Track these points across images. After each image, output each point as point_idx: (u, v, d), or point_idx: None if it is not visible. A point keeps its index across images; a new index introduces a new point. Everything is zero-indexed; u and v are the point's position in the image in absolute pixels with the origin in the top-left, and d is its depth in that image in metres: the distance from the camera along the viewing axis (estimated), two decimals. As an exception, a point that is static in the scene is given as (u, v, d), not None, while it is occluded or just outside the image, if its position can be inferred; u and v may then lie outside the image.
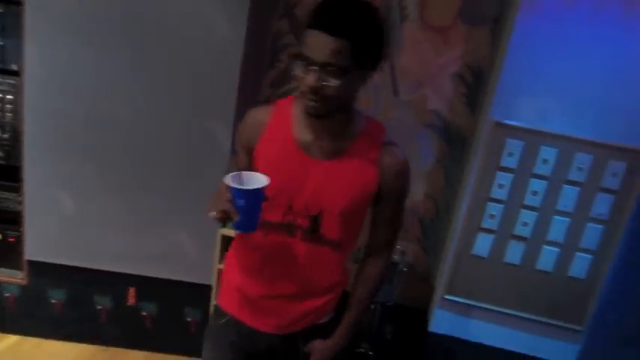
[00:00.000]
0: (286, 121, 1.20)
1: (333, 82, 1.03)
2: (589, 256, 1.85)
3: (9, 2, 1.90)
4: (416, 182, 2.16)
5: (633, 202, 1.76)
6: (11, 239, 2.18)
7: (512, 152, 1.81)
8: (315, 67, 1.02)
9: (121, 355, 2.35)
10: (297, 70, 1.06)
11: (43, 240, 2.16)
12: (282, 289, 1.29)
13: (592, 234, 1.83)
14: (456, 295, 1.98)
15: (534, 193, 1.83)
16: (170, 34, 1.89)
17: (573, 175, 1.79)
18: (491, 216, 1.88)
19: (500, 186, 1.85)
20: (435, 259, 2.25)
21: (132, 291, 2.28)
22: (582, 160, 1.77)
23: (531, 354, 1.97)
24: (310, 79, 1.03)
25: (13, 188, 2.10)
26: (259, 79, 2.14)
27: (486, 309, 1.96)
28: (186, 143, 2.01)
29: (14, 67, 1.96)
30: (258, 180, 1.09)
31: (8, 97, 2.00)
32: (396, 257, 2.04)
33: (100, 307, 2.29)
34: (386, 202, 1.24)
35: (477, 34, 1.97)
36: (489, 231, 1.90)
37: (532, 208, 1.85)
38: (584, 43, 1.68)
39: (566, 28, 1.68)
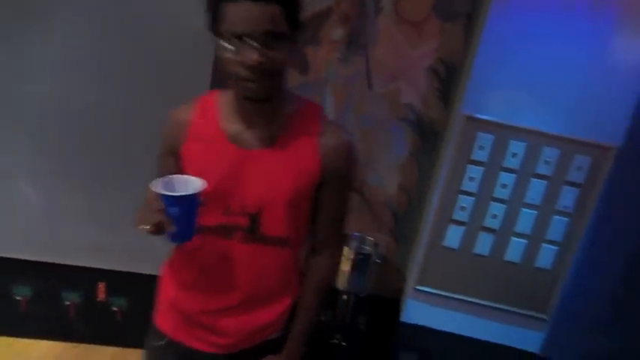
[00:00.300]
0: (212, 114, 1.09)
1: (277, 53, 0.94)
2: (555, 248, 1.91)
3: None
4: (390, 175, 2.18)
5: (597, 195, 1.82)
6: (-29, 233, 2.10)
7: (482, 146, 1.84)
8: (253, 41, 0.91)
9: (92, 352, 2.30)
10: (228, 51, 0.94)
11: (5, 234, 2.08)
12: (224, 302, 1.15)
13: (558, 226, 1.88)
14: (428, 286, 2.01)
15: (503, 186, 1.87)
16: (143, 26, 1.86)
17: (541, 169, 1.84)
18: (462, 208, 1.91)
19: (471, 179, 1.88)
20: (407, 250, 2.28)
21: (101, 286, 2.23)
22: (549, 154, 1.82)
23: (500, 342, 2.02)
24: (253, 55, 0.91)
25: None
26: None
27: (457, 299, 2.01)
28: (156, 136, 1.97)
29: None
30: (191, 184, 0.99)
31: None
32: (368, 249, 2.05)
33: (68, 303, 2.24)
34: (331, 188, 1.13)
35: (450, 29, 1.99)
36: (460, 223, 1.93)
37: (501, 201, 1.89)
38: (555, 40, 1.72)
39: (536, 24, 1.71)
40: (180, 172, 1.07)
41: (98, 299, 2.24)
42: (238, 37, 0.92)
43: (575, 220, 1.86)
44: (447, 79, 2.06)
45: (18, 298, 2.21)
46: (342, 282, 2.02)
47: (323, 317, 2.08)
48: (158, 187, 0.95)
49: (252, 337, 1.19)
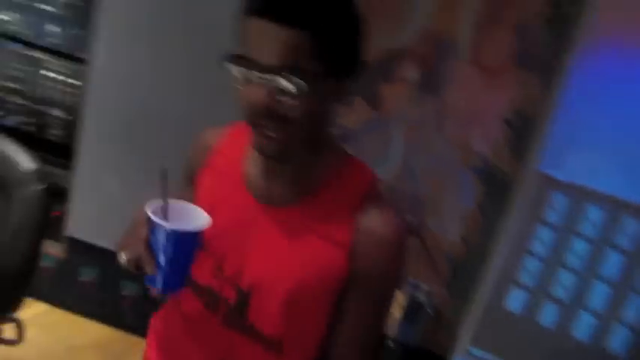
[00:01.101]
0: (239, 147, 0.86)
1: (299, 98, 0.67)
2: (630, 331, 1.70)
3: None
4: (452, 222, 2.09)
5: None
6: (56, 213, 2.31)
7: (556, 207, 1.71)
8: (262, 76, 0.67)
9: (138, 344, 2.40)
10: (237, 81, 0.71)
11: (84, 219, 2.27)
12: None
13: (635, 307, 1.68)
14: (482, 349, 1.87)
15: (576, 253, 1.72)
16: (223, 37, 1.97)
17: (620, 241, 1.66)
18: (528, 271, 1.78)
19: (540, 241, 1.75)
20: (462, 305, 2.14)
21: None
22: (631, 225, 1.64)
23: None
24: (257, 93, 0.68)
25: (64, 165, 2.22)
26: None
27: (510, 368, 1.85)
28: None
29: (83, 56, 2.10)
30: (195, 218, 0.75)
31: (75, 82, 2.14)
32: (421, 298, 1.97)
33: (125, 294, 2.36)
34: (359, 294, 0.79)
35: (529, 79, 1.91)
36: (524, 287, 1.79)
37: (572, 270, 1.73)
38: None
39: (624, 81, 1.59)
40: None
41: (153, 295, 2.34)
42: (248, 65, 0.68)
43: (655, 303, 1.66)
44: (522, 131, 1.96)
45: (83, 279, 2.37)
46: (390, 329, 1.94)
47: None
48: (150, 209, 0.71)
49: None
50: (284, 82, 0.67)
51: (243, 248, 0.82)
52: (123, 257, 0.75)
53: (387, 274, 0.81)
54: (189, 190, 0.90)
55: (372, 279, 0.79)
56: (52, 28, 2.10)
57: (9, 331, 1.46)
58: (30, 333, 1.46)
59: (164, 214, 0.73)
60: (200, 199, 0.86)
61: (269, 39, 0.66)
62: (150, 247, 0.71)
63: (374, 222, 0.78)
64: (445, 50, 1.96)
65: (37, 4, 2.08)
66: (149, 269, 0.71)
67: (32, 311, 2.39)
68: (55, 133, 2.20)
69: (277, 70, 0.66)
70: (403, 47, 1.99)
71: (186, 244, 0.73)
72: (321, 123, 0.77)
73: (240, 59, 0.69)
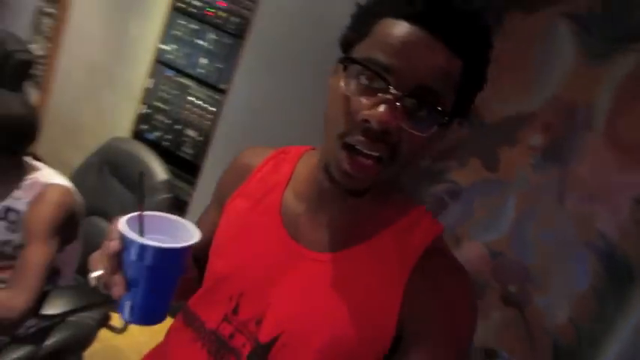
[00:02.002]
0: (282, 174, 0.75)
1: (421, 130, 0.57)
2: None
3: (235, 36, 2.30)
4: (560, 303, 1.92)
5: None
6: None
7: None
8: (394, 92, 0.55)
9: None
10: (345, 89, 0.59)
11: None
12: None
13: None
14: None
15: None
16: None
17: None
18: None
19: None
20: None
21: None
22: None
23: None
24: (382, 112, 0.55)
25: (189, 181, 2.42)
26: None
27: None
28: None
29: (223, 87, 2.33)
30: (181, 230, 0.63)
31: (212, 109, 2.37)
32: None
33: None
34: (415, 354, 0.63)
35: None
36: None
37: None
38: None
39: None
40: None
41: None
42: (373, 76, 0.57)
43: None
44: (657, 216, 1.76)
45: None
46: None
47: None
48: (124, 222, 0.59)
49: None
50: (425, 112, 0.57)
51: (267, 290, 0.68)
52: (91, 276, 0.61)
53: (452, 339, 0.64)
54: (217, 214, 0.79)
55: (427, 344, 0.63)
56: (203, 60, 2.36)
57: (117, 320, 1.61)
58: (133, 326, 1.59)
59: (141, 227, 0.60)
60: (226, 225, 0.76)
61: (420, 54, 0.55)
62: (120, 265, 0.59)
63: (436, 280, 0.65)
64: (577, 119, 1.86)
65: (194, 39, 2.37)
66: (115, 292, 0.58)
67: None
68: (186, 151, 2.44)
69: (424, 93, 0.56)
70: (531, 112, 1.92)
71: (165, 264, 0.59)
72: (417, 162, 0.64)
73: (367, 61, 0.57)
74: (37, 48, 3.25)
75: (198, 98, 2.39)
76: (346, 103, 0.58)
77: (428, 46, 0.55)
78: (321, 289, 0.66)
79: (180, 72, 2.42)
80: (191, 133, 2.42)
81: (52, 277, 1.33)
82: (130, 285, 0.59)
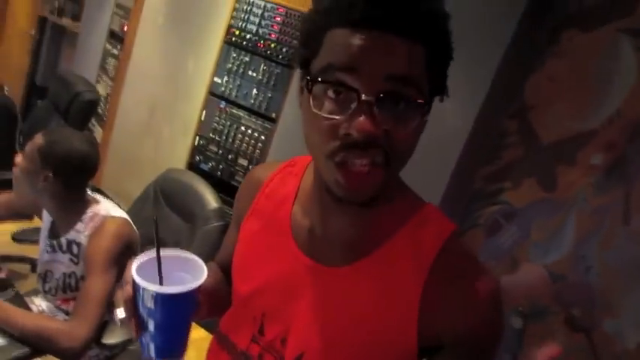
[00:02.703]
0: (288, 188, 0.74)
1: (408, 127, 0.56)
2: None
3: (284, 65, 2.37)
4: (632, 327, 1.78)
5: None
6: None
7: None
8: (366, 98, 0.53)
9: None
10: (315, 105, 0.56)
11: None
12: None
13: None
14: None
15: None
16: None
17: None
18: None
19: None
20: None
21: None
22: None
23: None
24: (362, 121, 0.53)
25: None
26: (475, 171, 2.12)
27: None
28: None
29: (273, 115, 2.40)
30: (193, 269, 0.66)
31: (262, 137, 2.44)
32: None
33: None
34: None
35: None
36: None
37: None
38: None
39: None
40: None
41: None
42: (340, 86, 0.55)
43: None
44: None
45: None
46: None
47: None
48: (138, 263, 0.63)
49: None
50: (403, 104, 0.55)
51: (289, 309, 0.68)
52: (116, 314, 0.66)
53: (478, 341, 0.62)
54: (236, 233, 0.79)
55: (461, 348, 0.62)
56: (254, 91, 2.45)
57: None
58: (189, 353, 1.63)
59: (157, 267, 0.64)
60: (242, 246, 0.76)
61: (379, 51, 0.53)
62: (136, 307, 0.62)
63: (454, 283, 0.61)
64: None
65: (246, 71, 2.46)
66: (134, 333, 0.63)
67: (194, 335, 2.67)
68: (239, 180, 2.51)
69: (396, 84, 0.54)
70: (592, 130, 1.84)
71: (177, 306, 0.63)
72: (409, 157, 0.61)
73: (328, 73, 0.55)
74: (102, 87, 3.49)
75: (249, 128, 2.46)
76: (322, 123, 0.56)
77: (382, 44, 0.53)
78: (338, 303, 0.65)
79: (232, 103, 2.51)
80: (243, 162, 2.49)
81: (111, 306, 1.39)
82: (146, 325, 0.62)
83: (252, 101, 2.45)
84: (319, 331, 0.65)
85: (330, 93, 0.55)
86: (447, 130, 1.91)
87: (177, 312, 0.63)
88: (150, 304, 0.61)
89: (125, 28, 3.26)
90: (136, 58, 3.24)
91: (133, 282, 0.62)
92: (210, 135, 2.57)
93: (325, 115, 0.55)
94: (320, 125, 0.56)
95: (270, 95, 2.40)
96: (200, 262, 0.67)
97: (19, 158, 1.36)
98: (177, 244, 1.63)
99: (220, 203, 1.66)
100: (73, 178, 1.38)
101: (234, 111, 2.50)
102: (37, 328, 1.19)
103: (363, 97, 0.53)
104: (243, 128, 2.48)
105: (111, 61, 3.46)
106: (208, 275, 0.65)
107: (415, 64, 0.55)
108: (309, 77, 0.57)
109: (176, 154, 2.78)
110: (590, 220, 1.85)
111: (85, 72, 3.58)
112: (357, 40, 0.53)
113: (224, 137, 2.53)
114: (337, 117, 0.55)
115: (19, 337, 1.18)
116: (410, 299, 0.61)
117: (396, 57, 0.53)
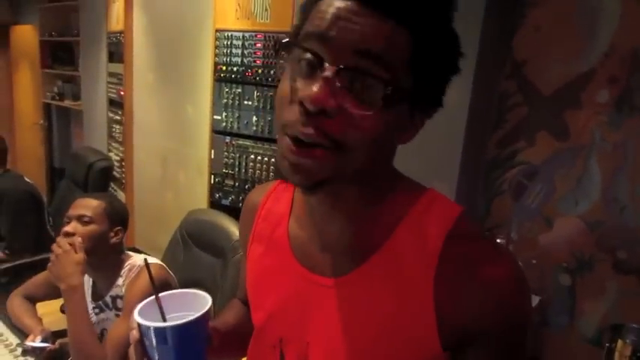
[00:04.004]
0: (282, 205, 0.71)
1: (368, 105, 0.50)
2: None
3: (275, 86, 2.40)
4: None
5: None
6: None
7: None
8: (328, 67, 0.50)
9: None
10: (286, 75, 0.54)
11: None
12: None
13: None
14: None
15: None
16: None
17: None
18: None
19: None
20: None
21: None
22: None
23: None
24: (315, 90, 0.49)
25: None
26: (485, 139, 2.10)
27: None
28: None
29: (277, 136, 2.43)
30: (198, 302, 0.67)
31: (272, 160, 2.47)
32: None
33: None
34: (475, 357, 0.57)
35: None
36: None
37: None
38: None
39: None
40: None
41: None
42: (310, 56, 0.51)
43: None
44: None
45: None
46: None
47: None
48: (137, 310, 0.65)
49: None
50: (367, 81, 0.50)
51: (302, 330, 0.65)
52: None
53: (505, 329, 0.56)
54: (245, 262, 0.77)
55: (491, 337, 0.56)
56: (253, 118, 2.49)
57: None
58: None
59: (160, 310, 0.66)
60: (250, 274, 0.74)
61: (353, 21, 0.49)
62: (146, 352, 0.64)
63: (467, 269, 0.55)
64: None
65: (240, 102, 2.51)
66: None
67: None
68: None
69: (364, 60, 0.49)
70: (590, 69, 1.82)
71: (183, 340, 0.62)
72: (379, 155, 0.56)
73: (308, 43, 0.51)
74: (114, 154, 3.61)
75: (258, 154, 2.50)
76: (284, 92, 0.53)
77: (362, 14, 0.49)
78: (350, 316, 0.61)
79: (236, 135, 2.56)
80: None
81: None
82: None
83: (254, 128, 2.50)
84: (336, 348, 0.61)
85: (302, 63, 0.52)
86: (445, 107, 1.90)
87: (185, 346, 0.63)
88: (155, 342, 0.62)
89: (122, 93, 3.37)
90: (138, 118, 3.35)
91: (139, 326, 0.63)
92: (224, 170, 2.62)
93: (290, 84, 0.52)
94: (282, 94, 0.53)
95: (269, 118, 2.44)
96: (202, 294, 0.68)
97: (74, 228, 1.41)
98: (213, 281, 1.67)
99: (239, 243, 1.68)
100: (119, 235, 1.50)
101: (240, 142, 2.55)
102: (81, 341, 1.30)
103: (326, 65, 0.49)
104: (252, 156, 2.52)
105: (116, 128, 3.58)
106: (228, 312, 0.65)
107: (393, 47, 0.50)
108: (285, 42, 0.54)
109: (196, 196, 2.85)
110: (613, 159, 1.81)
111: (95, 144, 3.72)
112: (333, 9, 0.50)
113: (237, 169, 2.58)
114: (299, 86, 0.51)
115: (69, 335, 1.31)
116: (422, 296, 0.56)
117: (371, 33, 0.49)
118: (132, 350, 0.65)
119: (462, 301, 0.55)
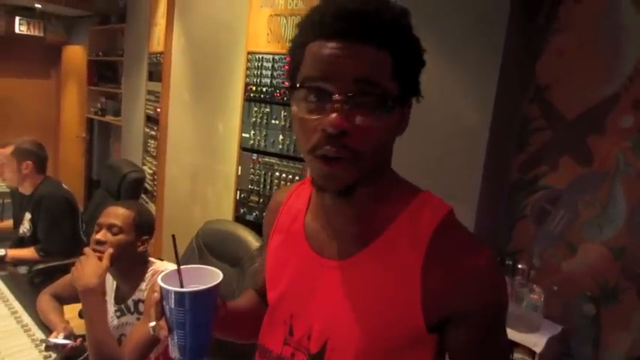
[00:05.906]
0: (301, 202, 0.84)
1: (374, 120, 0.63)
2: None
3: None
4: None
5: None
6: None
7: None
8: (337, 97, 0.62)
9: None
10: (300, 110, 0.66)
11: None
12: None
13: None
14: None
15: None
16: (419, 121, 2.07)
17: None
18: None
19: None
20: None
21: None
22: None
23: None
24: (333, 118, 0.61)
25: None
26: (507, 163, 2.09)
27: None
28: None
29: (301, 155, 2.48)
30: (210, 276, 0.78)
31: (296, 177, 2.51)
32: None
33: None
34: (460, 338, 0.69)
35: None
36: None
37: None
38: None
39: None
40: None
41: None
42: (316, 92, 0.64)
43: None
44: None
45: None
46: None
47: None
48: (161, 277, 0.77)
49: None
50: (370, 100, 0.63)
51: (310, 308, 0.76)
52: (150, 324, 0.76)
53: (487, 308, 0.67)
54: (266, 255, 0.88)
55: (469, 316, 0.67)
56: (280, 137, 2.56)
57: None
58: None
59: (179, 280, 0.77)
60: (270, 260, 0.85)
61: (346, 58, 0.62)
62: (164, 312, 0.75)
63: (450, 259, 0.67)
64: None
65: (268, 121, 2.59)
66: (161, 334, 0.74)
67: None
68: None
69: (364, 85, 0.62)
70: (614, 93, 1.80)
71: (197, 305, 0.73)
72: (386, 154, 0.71)
73: (306, 82, 0.65)
74: (148, 167, 3.74)
75: (282, 172, 2.56)
76: (305, 124, 0.65)
77: (351, 50, 0.62)
78: (349, 292, 0.72)
79: (262, 153, 2.63)
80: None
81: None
82: (172, 328, 0.74)
83: (280, 147, 2.56)
84: (336, 320, 0.72)
85: (311, 97, 0.65)
86: (466, 129, 1.91)
87: (199, 310, 0.74)
88: (173, 304, 0.73)
89: (158, 110, 3.52)
90: (172, 135, 3.48)
91: (161, 289, 0.74)
92: (249, 187, 2.69)
93: (306, 117, 0.64)
94: (304, 126, 0.65)
95: (295, 137, 2.49)
96: (215, 270, 0.79)
97: (104, 236, 1.48)
98: (230, 291, 1.70)
99: (262, 241, 1.72)
100: (146, 242, 1.56)
101: (266, 160, 2.61)
102: (98, 341, 1.34)
103: (335, 96, 0.62)
104: (277, 174, 2.58)
105: (151, 143, 3.72)
106: (241, 298, 0.79)
107: (379, 68, 0.63)
108: (292, 86, 0.68)
109: (222, 211, 2.91)
110: (638, 184, 1.77)
111: (131, 157, 3.87)
112: (327, 50, 0.63)
113: (262, 186, 2.64)
114: (315, 117, 0.64)
115: (87, 337, 1.36)
116: (411, 278, 0.67)
117: (361, 62, 0.62)
118: (150, 310, 0.76)
119: (445, 284, 0.66)
